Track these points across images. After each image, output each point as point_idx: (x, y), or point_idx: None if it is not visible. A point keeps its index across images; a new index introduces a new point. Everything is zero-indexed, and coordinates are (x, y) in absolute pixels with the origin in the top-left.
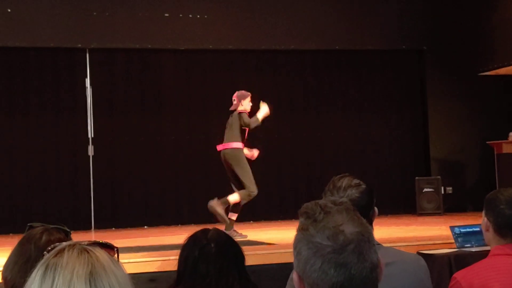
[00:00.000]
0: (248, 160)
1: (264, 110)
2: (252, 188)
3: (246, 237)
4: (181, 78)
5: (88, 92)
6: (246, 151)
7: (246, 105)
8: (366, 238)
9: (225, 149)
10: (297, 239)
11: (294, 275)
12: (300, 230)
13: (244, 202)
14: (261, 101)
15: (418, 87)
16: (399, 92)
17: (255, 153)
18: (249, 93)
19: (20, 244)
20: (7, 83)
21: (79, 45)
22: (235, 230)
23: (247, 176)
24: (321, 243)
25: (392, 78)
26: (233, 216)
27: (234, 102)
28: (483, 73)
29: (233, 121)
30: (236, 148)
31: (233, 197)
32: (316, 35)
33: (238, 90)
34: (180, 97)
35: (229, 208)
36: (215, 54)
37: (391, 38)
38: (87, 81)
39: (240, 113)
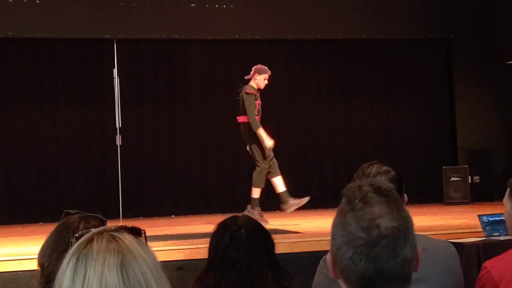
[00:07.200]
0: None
1: (267, 142)
2: (263, 163)
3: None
4: (208, 68)
5: (115, 82)
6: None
7: (260, 80)
8: (403, 233)
9: (242, 122)
10: (335, 222)
11: (328, 256)
12: (339, 214)
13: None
14: (270, 146)
15: (445, 76)
16: (426, 81)
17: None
18: (268, 71)
19: (58, 232)
20: (35, 73)
21: (107, 36)
22: (259, 213)
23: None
24: (355, 233)
25: (419, 67)
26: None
27: (251, 73)
28: (511, 62)
29: (242, 97)
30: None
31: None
32: (343, 25)
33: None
34: (206, 87)
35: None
36: (241, 44)
37: (418, 27)
38: (115, 71)
39: (247, 93)
